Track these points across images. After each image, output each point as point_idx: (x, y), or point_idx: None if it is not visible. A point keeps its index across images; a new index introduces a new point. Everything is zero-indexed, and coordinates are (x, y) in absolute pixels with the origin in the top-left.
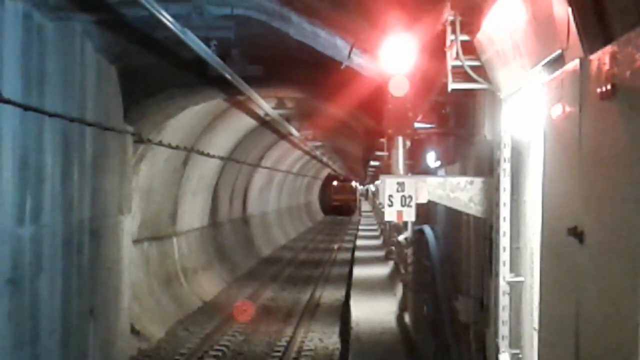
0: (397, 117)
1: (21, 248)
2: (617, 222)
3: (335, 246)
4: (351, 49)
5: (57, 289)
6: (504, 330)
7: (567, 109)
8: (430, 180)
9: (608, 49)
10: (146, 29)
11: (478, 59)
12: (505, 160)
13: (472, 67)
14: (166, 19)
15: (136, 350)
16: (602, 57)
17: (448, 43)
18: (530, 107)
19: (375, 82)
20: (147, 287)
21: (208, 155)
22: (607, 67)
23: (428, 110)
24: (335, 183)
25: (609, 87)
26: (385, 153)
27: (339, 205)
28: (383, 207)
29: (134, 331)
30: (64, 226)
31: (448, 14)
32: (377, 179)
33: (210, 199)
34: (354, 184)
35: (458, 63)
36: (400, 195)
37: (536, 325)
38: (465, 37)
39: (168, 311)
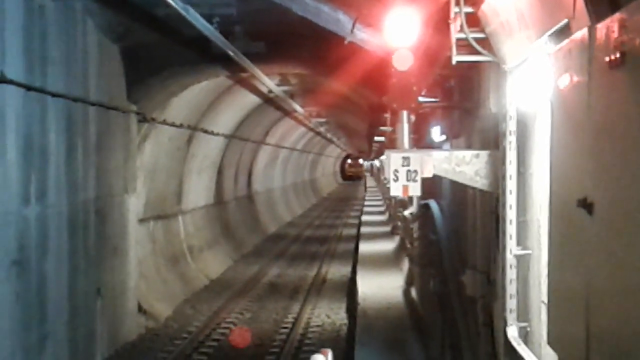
0: (402, 91)
1: (27, 228)
2: (628, 192)
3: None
4: (354, 23)
5: (63, 269)
6: (511, 303)
7: (575, 78)
8: (436, 154)
9: (616, 16)
10: (148, 7)
11: (482, 31)
12: (511, 133)
13: (477, 40)
14: None
15: (144, 329)
16: (610, 25)
17: (452, 15)
18: (536, 78)
19: (379, 57)
20: (153, 266)
21: (212, 133)
22: (615, 35)
23: (432, 84)
24: (349, 161)
25: (617, 55)
26: (389, 128)
27: (351, 175)
28: (388, 182)
29: (141, 310)
30: (69, 206)
31: None
32: (382, 154)
33: (215, 177)
34: (361, 160)
35: (462, 35)
36: (406, 169)
37: (544, 298)
38: (469, 9)
39: (175, 290)
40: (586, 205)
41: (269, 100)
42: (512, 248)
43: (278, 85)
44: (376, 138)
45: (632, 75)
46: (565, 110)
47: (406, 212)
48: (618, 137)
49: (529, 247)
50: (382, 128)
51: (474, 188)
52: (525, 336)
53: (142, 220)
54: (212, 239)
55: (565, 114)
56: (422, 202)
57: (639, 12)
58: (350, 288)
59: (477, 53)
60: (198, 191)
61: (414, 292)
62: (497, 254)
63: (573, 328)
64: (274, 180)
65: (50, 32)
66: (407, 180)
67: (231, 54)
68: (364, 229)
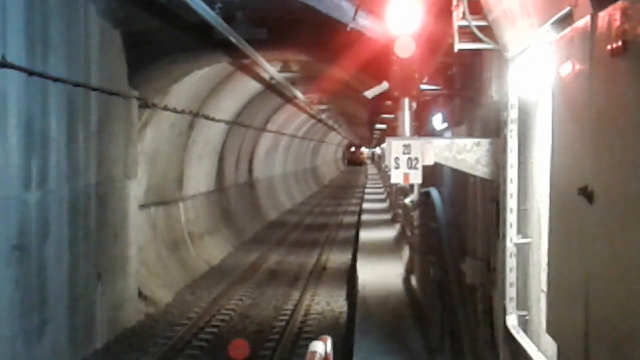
0: (403, 79)
1: (27, 213)
2: (628, 181)
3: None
4: (356, 10)
5: (64, 255)
6: (511, 292)
7: (577, 66)
8: (437, 142)
9: (619, 4)
10: None
11: (485, 18)
12: (512, 121)
13: (479, 27)
14: None
15: (144, 314)
16: (612, 13)
17: (454, 2)
18: (538, 66)
19: (381, 44)
20: (154, 252)
21: (213, 119)
22: (617, 23)
23: (434, 72)
24: (352, 149)
25: (619, 43)
26: (391, 116)
27: (353, 160)
28: (389, 170)
29: (142, 296)
30: (70, 191)
31: None
32: (383, 142)
33: (216, 164)
34: (363, 149)
35: (464, 23)
36: (407, 157)
37: (543, 286)
38: None
39: (175, 276)
40: (586, 193)
41: (270, 87)
42: (512, 236)
43: (280, 71)
44: (377, 125)
45: (633, 64)
46: (567, 98)
47: (407, 200)
48: (619, 125)
49: (529, 236)
50: (383, 115)
51: (474, 176)
52: (524, 324)
53: (142, 206)
54: (213, 225)
55: (567, 102)
56: (423, 190)
57: None
58: (350, 275)
59: (479, 41)
60: (199, 177)
61: (414, 280)
62: (497, 242)
63: (572, 316)
64: (274, 167)
65: (52, 16)
66: (408, 167)
67: (233, 40)
68: (364, 217)
